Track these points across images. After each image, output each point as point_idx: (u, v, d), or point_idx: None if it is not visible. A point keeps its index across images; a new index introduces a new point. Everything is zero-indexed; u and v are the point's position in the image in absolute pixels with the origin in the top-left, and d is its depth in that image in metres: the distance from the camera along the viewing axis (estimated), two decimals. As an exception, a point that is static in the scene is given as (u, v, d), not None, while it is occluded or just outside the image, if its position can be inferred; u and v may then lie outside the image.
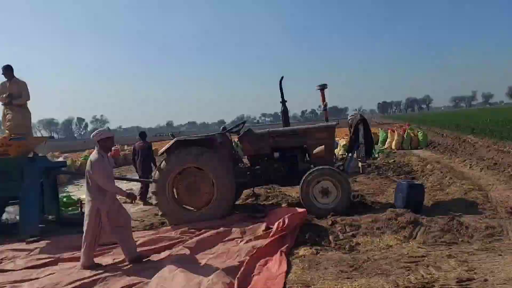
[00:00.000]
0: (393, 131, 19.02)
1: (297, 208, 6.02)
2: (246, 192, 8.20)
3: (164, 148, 6.71)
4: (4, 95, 7.15)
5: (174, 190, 6.67)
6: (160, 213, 6.69)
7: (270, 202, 8.00)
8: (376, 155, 14.54)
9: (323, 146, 6.79)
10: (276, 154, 7.00)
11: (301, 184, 6.36)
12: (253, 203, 7.97)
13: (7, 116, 7.16)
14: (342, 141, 17.21)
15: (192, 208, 6.68)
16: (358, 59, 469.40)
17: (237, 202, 7.83)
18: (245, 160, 7.53)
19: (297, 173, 6.72)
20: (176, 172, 6.56)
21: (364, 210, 6.65)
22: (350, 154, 7.20)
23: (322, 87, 7.40)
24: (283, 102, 7.64)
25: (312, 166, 6.80)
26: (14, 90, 7.19)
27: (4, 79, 7.34)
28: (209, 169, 6.45)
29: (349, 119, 7.32)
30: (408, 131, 18.82)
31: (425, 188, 7.45)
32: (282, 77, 7.63)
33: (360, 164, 6.88)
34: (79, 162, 18.06)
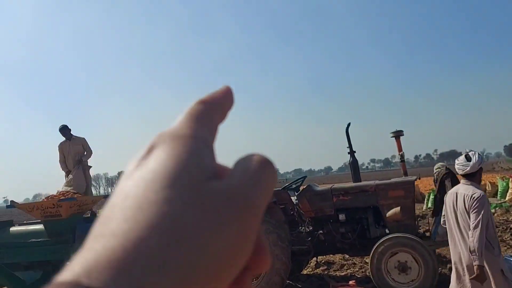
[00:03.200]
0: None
1: None
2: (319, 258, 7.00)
3: None
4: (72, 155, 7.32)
5: None
6: None
7: (344, 273, 6.61)
8: (492, 211, 10.76)
9: (399, 207, 5.36)
10: (342, 216, 5.73)
11: (371, 256, 5.12)
12: (323, 273, 6.76)
13: (70, 174, 7.21)
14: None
15: None
16: (478, 93, 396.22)
17: (304, 272, 6.80)
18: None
19: (368, 240, 5.59)
20: None
21: None
22: (437, 218, 5.42)
23: (397, 134, 6.14)
24: (351, 152, 6.62)
25: (387, 231, 5.46)
26: (78, 149, 7.41)
27: (63, 139, 7.47)
28: None
29: (435, 173, 5.72)
30: None
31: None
32: (349, 124, 6.54)
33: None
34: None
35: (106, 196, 8.72)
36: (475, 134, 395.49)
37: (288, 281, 6.44)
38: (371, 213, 5.67)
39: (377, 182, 5.75)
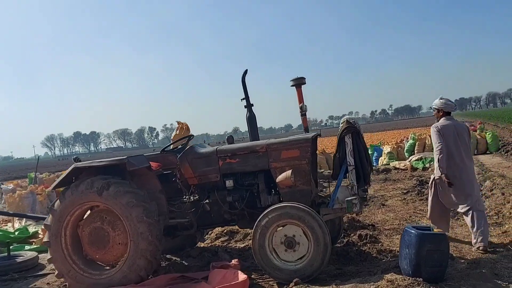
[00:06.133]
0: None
1: (239, 272, 4.09)
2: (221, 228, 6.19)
3: (58, 180, 4.78)
4: None
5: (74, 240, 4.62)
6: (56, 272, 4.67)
7: (245, 244, 5.87)
8: (427, 165, 12.01)
9: (290, 170, 4.42)
10: (229, 183, 4.75)
11: (253, 230, 4.25)
12: (221, 245, 6.03)
13: None
14: (387, 148, 15.33)
15: (103, 265, 4.71)
16: (430, 51, 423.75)
17: (202, 244, 6.08)
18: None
19: (258, 209, 4.60)
20: (74, 213, 4.51)
21: (356, 268, 4.42)
22: (338, 181, 4.53)
23: (298, 83, 5.02)
24: (248, 105, 5.51)
25: (282, 199, 4.58)
26: None
27: None
28: (118, 208, 4.34)
29: (340, 128, 4.62)
30: (473, 132, 15.06)
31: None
32: (246, 72, 5.44)
33: (349, 196, 4.33)
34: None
35: None
36: (427, 89, 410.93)
37: (174, 258, 5.54)
38: (262, 178, 4.69)
39: (270, 141, 4.74)
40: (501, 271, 3.85)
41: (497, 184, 7.63)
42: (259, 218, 4.19)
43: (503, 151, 14.03)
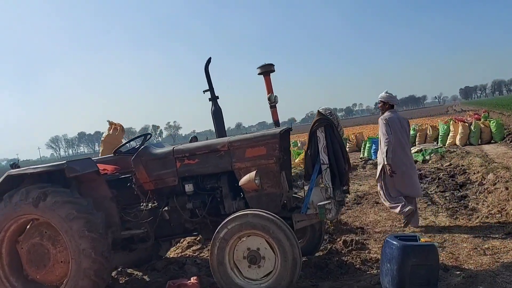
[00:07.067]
0: (457, 122, 14.77)
1: None
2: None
3: None
4: None
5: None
6: None
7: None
8: (427, 157, 11.30)
9: (254, 171, 3.77)
10: (188, 187, 4.10)
11: (211, 244, 3.64)
12: (192, 254, 5.51)
13: None
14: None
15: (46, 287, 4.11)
16: (435, 40, 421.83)
17: (171, 254, 5.57)
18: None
19: (222, 217, 3.87)
20: (8, 228, 3.97)
21: (333, 285, 3.85)
22: (311, 183, 3.92)
23: (266, 70, 4.44)
24: (213, 98, 4.86)
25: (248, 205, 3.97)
26: None
27: None
28: (57, 221, 3.76)
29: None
30: (476, 121, 14.67)
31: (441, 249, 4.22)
32: (209, 60, 4.82)
33: (324, 200, 3.73)
34: None
35: None
36: (432, 79, 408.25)
37: (136, 273, 4.96)
38: (226, 181, 4.08)
39: (232, 138, 4.13)
40: (502, 287, 3.22)
41: (501, 177, 6.95)
42: (217, 230, 3.60)
43: (509, 140, 13.30)
